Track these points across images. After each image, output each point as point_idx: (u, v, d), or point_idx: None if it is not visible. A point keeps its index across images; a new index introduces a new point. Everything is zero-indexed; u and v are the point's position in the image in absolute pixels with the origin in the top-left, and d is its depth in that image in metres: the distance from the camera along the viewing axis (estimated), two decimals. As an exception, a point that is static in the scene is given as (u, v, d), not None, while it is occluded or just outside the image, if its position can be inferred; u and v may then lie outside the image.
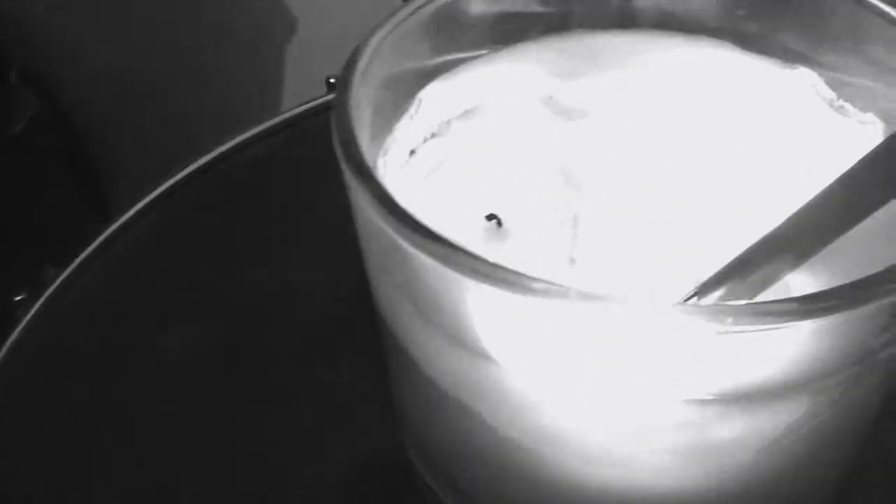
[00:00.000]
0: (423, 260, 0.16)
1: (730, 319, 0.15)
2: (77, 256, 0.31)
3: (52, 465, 0.26)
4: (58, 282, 0.29)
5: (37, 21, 0.47)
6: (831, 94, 0.24)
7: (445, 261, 0.16)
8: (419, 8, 0.22)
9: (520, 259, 0.23)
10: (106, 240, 0.31)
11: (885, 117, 0.23)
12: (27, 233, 0.43)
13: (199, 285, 0.30)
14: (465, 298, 0.16)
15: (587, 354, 0.17)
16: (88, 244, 0.32)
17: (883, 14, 0.22)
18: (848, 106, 0.24)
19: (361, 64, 0.20)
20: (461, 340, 0.17)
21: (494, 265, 0.16)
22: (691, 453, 0.17)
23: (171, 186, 0.34)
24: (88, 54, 0.46)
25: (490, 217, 0.23)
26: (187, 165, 0.35)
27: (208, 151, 0.35)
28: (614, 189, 0.24)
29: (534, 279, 0.15)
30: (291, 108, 0.36)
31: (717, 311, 0.15)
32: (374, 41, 0.21)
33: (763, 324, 0.16)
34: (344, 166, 0.17)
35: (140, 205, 0.33)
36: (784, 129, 0.24)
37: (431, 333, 0.18)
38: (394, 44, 0.22)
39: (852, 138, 0.24)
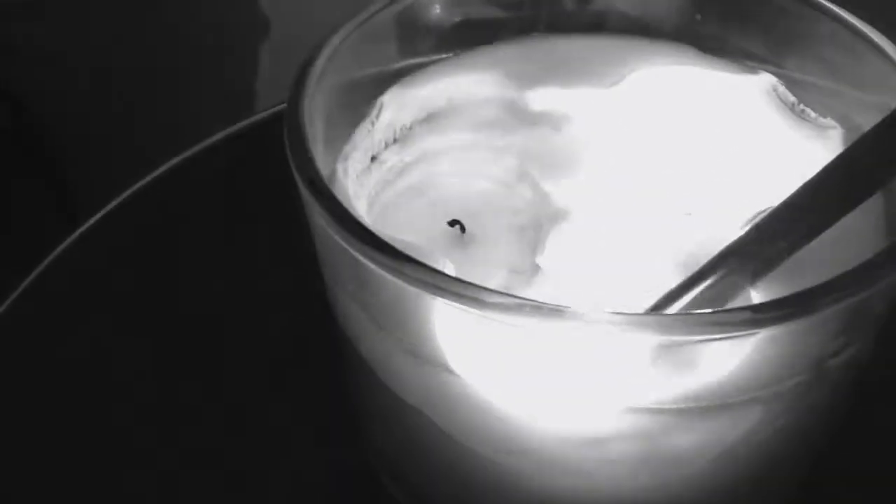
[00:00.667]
0: (379, 274, 0.16)
1: (681, 329, 0.15)
2: (41, 262, 0.30)
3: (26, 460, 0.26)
4: (20, 289, 0.29)
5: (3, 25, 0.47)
6: (792, 99, 0.24)
7: (401, 275, 0.16)
8: (378, 11, 0.22)
9: (483, 265, 0.23)
10: (71, 244, 0.31)
11: (844, 122, 0.23)
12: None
13: (165, 290, 0.30)
14: (422, 311, 0.16)
15: (542, 365, 0.17)
16: (54, 248, 0.31)
17: (840, 20, 0.22)
18: (809, 111, 0.24)
19: (316, 69, 0.19)
20: (418, 352, 0.17)
21: (450, 278, 0.16)
22: (647, 462, 0.18)
23: (141, 188, 0.33)
24: (54, 54, 0.46)
25: (453, 223, 0.23)
26: (155, 169, 0.34)
27: (178, 154, 0.35)
28: (578, 194, 0.24)
29: (489, 292, 0.15)
30: (269, 106, 0.36)
31: (668, 322, 0.15)
32: (329, 46, 0.20)
33: (714, 333, 0.16)
34: (298, 179, 0.17)
35: (107, 208, 0.32)
36: (747, 134, 0.25)
37: (389, 344, 0.18)
38: (352, 48, 0.22)
39: (813, 143, 0.24)
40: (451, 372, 0.17)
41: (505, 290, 0.21)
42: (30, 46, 0.45)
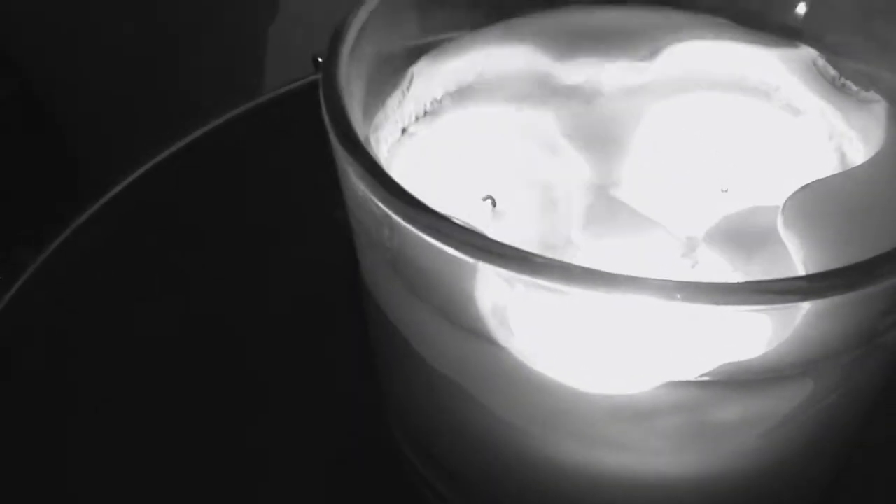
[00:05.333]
0: (417, 235, 0.15)
1: (731, 298, 0.15)
2: (55, 238, 0.30)
3: (28, 454, 0.25)
4: (36, 263, 0.28)
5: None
6: (833, 72, 0.24)
7: (440, 235, 0.15)
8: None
9: (515, 239, 0.22)
10: (84, 223, 0.31)
11: (888, 95, 0.22)
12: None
13: (179, 268, 0.30)
14: (462, 277, 0.16)
15: (587, 335, 0.16)
16: (65, 225, 0.31)
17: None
18: (850, 84, 0.23)
19: (350, 36, 0.19)
20: (455, 319, 0.17)
21: (493, 241, 0.15)
22: (693, 437, 0.17)
23: (153, 167, 0.33)
24: (60, 30, 0.45)
25: (486, 198, 0.23)
26: (167, 147, 0.34)
27: (189, 133, 0.34)
28: (611, 169, 0.23)
29: (533, 256, 0.15)
30: (276, 87, 0.36)
31: (718, 290, 0.15)
32: (362, 13, 0.20)
33: (765, 303, 0.15)
34: (333, 138, 0.17)
35: (119, 187, 0.32)
36: (787, 109, 0.24)
37: (424, 312, 0.18)
38: (384, 17, 0.21)
39: (856, 117, 0.23)
40: (490, 341, 0.17)
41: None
42: (37, 20, 0.45)
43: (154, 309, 0.28)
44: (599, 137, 0.23)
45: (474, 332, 0.16)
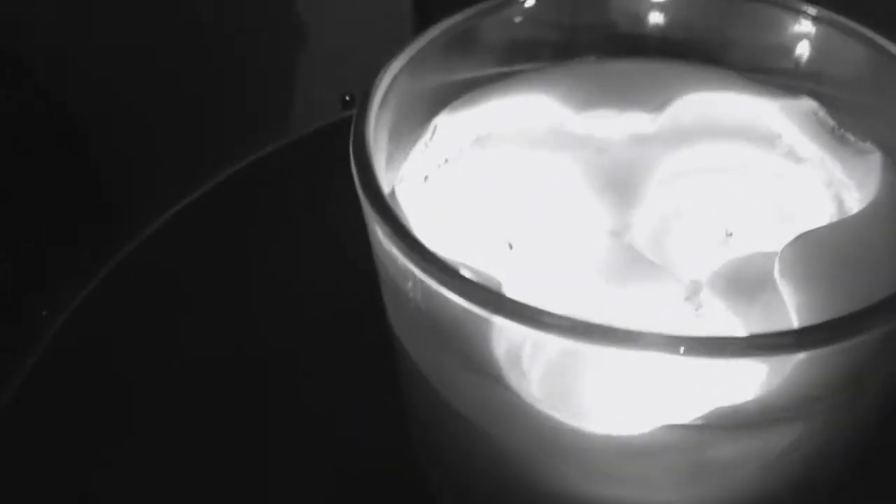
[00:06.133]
0: (436, 289, 0.17)
1: (726, 352, 0.16)
2: (97, 273, 0.32)
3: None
4: (79, 297, 0.30)
5: (43, 25, 0.48)
6: (832, 123, 0.25)
7: (457, 290, 0.17)
8: (436, 35, 0.23)
9: (531, 282, 0.24)
10: (126, 258, 0.32)
11: (882, 146, 0.24)
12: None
13: (220, 300, 0.31)
14: (478, 328, 0.17)
15: (590, 381, 0.17)
16: (106, 260, 0.32)
17: (874, 44, 0.23)
18: (849, 135, 0.25)
19: (380, 91, 0.20)
20: (471, 364, 0.18)
21: (504, 297, 0.17)
22: (685, 474, 0.18)
23: (187, 205, 0.34)
24: (96, 67, 0.47)
25: (504, 242, 0.24)
26: (202, 185, 0.35)
27: (230, 166, 0.36)
28: (622, 214, 0.24)
29: (541, 312, 0.16)
30: (305, 125, 0.37)
31: (713, 344, 0.16)
32: (392, 68, 0.21)
33: (756, 356, 0.16)
34: (361, 196, 0.18)
35: (150, 229, 0.34)
36: (788, 158, 0.25)
37: (443, 355, 0.19)
38: (411, 70, 0.23)
39: (854, 167, 0.24)
40: (504, 385, 0.18)
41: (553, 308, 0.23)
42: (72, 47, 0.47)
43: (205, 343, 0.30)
44: (612, 184, 0.25)
45: (489, 376, 0.18)
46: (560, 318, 0.16)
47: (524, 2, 0.25)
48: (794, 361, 0.17)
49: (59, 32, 0.48)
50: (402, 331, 0.20)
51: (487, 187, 0.25)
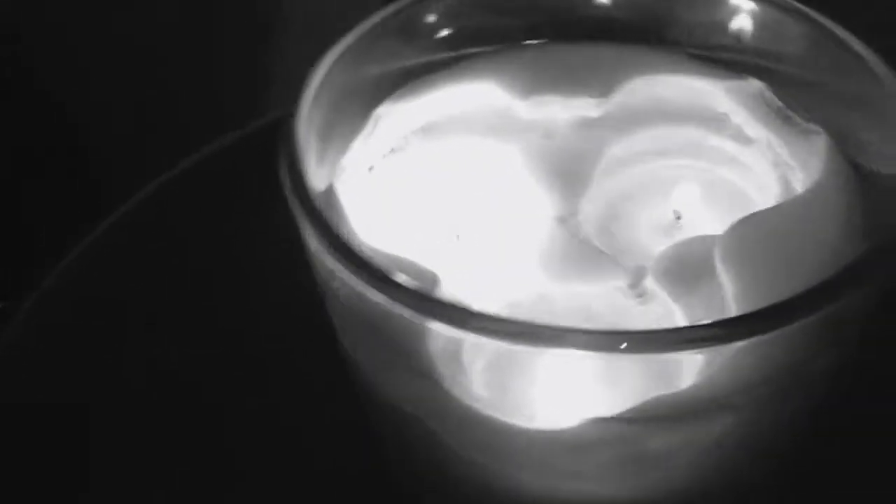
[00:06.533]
0: (371, 298, 0.17)
1: (655, 346, 0.16)
2: (58, 262, 0.31)
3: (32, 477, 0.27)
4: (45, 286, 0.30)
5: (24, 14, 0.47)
6: (779, 104, 0.25)
7: (393, 298, 0.17)
8: (375, 24, 0.23)
9: (479, 272, 0.24)
10: (88, 247, 0.32)
11: (827, 127, 0.24)
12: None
13: (186, 291, 0.31)
14: (411, 330, 0.17)
15: (524, 379, 0.17)
16: (69, 250, 0.32)
17: (820, 25, 0.23)
18: (795, 116, 0.24)
19: (312, 87, 0.20)
20: (407, 363, 0.18)
21: (432, 299, 0.17)
22: (631, 466, 0.18)
23: (163, 184, 0.34)
24: (77, 51, 0.47)
25: (450, 231, 0.24)
26: (175, 166, 0.35)
27: (196, 151, 0.35)
28: (571, 200, 0.24)
29: (472, 314, 0.16)
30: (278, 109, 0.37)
31: (641, 338, 0.16)
32: (325, 62, 0.21)
33: (686, 349, 0.16)
34: (290, 198, 0.18)
35: (120, 211, 0.33)
36: (736, 139, 0.25)
37: (382, 354, 0.19)
38: (348, 63, 0.22)
39: (800, 148, 0.24)
40: (438, 383, 0.18)
41: (497, 298, 0.23)
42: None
43: (166, 336, 0.29)
44: (559, 171, 0.25)
45: (424, 375, 0.18)
46: (486, 319, 0.16)
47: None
48: (721, 353, 0.17)
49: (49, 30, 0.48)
50: (342, 334, 0.20)
51: (434, 176, 0.25)
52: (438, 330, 0.17)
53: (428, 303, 0.16)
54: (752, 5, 0.24)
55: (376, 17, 0.23)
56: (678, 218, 0.25)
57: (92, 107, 0.47)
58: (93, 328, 0.30)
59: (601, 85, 0.25)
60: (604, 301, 0.23)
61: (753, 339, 0.17)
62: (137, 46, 0.47)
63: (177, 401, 0.28)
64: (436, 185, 0.25)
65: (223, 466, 0.27)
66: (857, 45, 0.22)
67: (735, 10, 0.25)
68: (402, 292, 0.16)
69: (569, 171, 0.25)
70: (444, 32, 0.25)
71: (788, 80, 0.25)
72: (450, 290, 0.22)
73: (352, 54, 0.22)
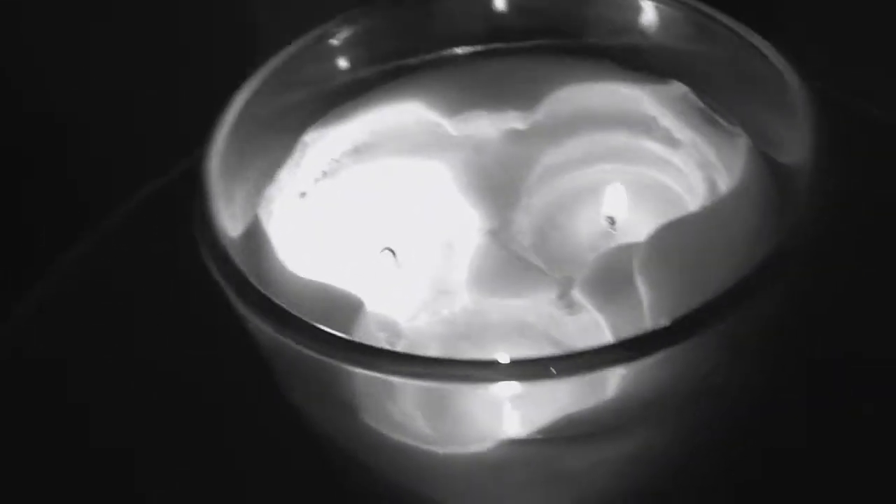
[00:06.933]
0: (269, 335, 0.17)
1: (552, 370, 0.17)
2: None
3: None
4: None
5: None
6: (702, 105, 0.25)
7: (304, 345, 0.17)
8: (281, 62, 0.23)
9: (413, 286, 0.24)
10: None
11: (747, 128, 0.24)
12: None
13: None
14: (321, 369, 0.18)
15: (430, 407, 0.18)
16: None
17: (735, 31, 0.23)
18: (718, 118, 0.25)
19: (222, 132, 0.21)
20: (326, 398, 0.19)
21: (338, 338, 0.17)
22: (546, 485, 0.19)
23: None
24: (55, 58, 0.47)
25: (383, 250, 0.25)
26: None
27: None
28: (502, 211, 0.25)
29: (362, 351, 0.17)
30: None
31: (532, 366, 0.17)
32: (234, 106, 0.22)
33: (585, 372, 0.17)
34: (203, 248, 0.18)
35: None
36: (662, 142, 0.25)
37: (306, 393, 0.20)
38: (264, 96, 0.23)
39: (723, 149, 0.24)
40: (354, 415, 0.19)
41: (433, 314, 0.23)
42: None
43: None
44: (490, 185, 0.25)
45: (347, 409, 0.19)
46: (394, 358, 0.17)
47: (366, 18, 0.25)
48: (622, 373, 0.18)
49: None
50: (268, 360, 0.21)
51: (366, 197, 0.26)
52: (347, 369, 0.17)
53: (331, 344, 0.17)
54: (668, 9, 0.25)
55: (290, 49, 0.23)
56: (612, 223, 0.25)
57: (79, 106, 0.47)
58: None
59: (526, 97, 0.26)
60: (537, 313, 0.23)
61: (639, 362, 0.17)
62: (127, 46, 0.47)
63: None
64: (369, 206, 0.26)
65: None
66: (755, 40, 0.22)
67: (653, 15, 0.25)
68: (307, 335, 0.17)
69: (500, 184, 0.25)
70: (358, 57, 0.25)
71: (709, 84, 0.25)
72: (383, 310, 0.23)
73: (268, 86, 0.23)
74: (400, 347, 0.22)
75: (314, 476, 0.25)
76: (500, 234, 0.24)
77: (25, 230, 0.43)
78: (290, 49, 0.23)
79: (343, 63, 0.25)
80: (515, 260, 0.24)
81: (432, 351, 0.22)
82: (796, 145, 0.21)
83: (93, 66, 0.47)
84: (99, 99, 0.45)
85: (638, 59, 0.26)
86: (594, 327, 0.22)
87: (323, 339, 0.17)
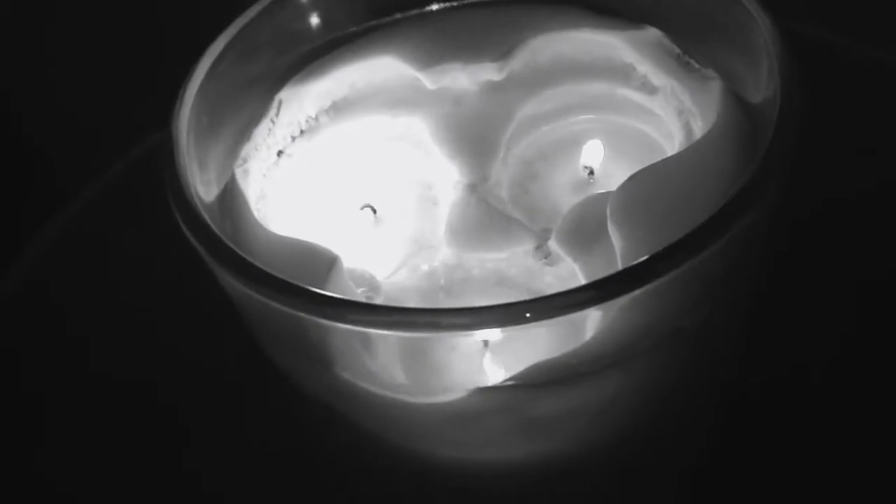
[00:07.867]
0: (246, 294, 0.17)
1: (528, 315, 0.17)
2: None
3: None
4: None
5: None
6: (677, 51, 0.25)
7: (277, 301, 0.17)
8: (258, 15, 0.23)
9: (393, 241, 0.24)
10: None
11: (722, 72, 0.24)
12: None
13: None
14: (298, 324, 0.18)
15: (406, 357, 0.18)
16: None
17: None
18: (692, 62, 0.25)
19: (192, 87, 0.21)
20: (305, 353, 0.19)
21: (312, 293, 0.17)
22: (521, 432, 0.19)
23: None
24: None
25: (363, 207, 0.25)
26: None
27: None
28: (482, 163, 0.25)
29: (335, 305, 0.17)
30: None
31: (508, 312, 0.17)
32: (206, 59, 0.22)
33: (561, 314, 0.17)
34: (173, 207, 0.19)
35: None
36: (639, 87, 0.25)
37: (282, 348, 0.20)
38: (234, 58, 0.23)
39: (699, 93, 0.24)
40: (340, 374, 0.19)
41: (414, 268, 0.23)
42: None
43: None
44: (468, 137, 0.25)
45: (322, 363, 0.19)
46: (357, 309, 0.17)
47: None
48: (598, 315, 0.18)
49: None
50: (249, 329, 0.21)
51: (345, 154, 0.26)
52: (319, 323, 0.17)
53: (302, 298, 0.17)
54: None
55: (258, 6, 0.23)
56: (591, 173, 0.25)
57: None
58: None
59: (500, 47, 0.26)
60: (516, 265, 0.23)
61: (611, 302, 0.17)
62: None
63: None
64: (348, 163, 0.26)
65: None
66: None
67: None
68: (279, 291, 0.17)
69: (478, 137, 0.25)
70: (337, 14, 0.25)
71: (684, 28, 0.25)
72: (363, 266, 0.23)
73: (236, 50, 0.23)
74: (379, 301, 0.22)
75: (291, 433, 0.25)
76: (478, 187, 0.24)
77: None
78: (259, 5, 0.23)
79: (316, 21, 0.25)
80: (494, 213, 0.24)
81: (412, 304, 0.22)
82: (766, 83, 0.21)
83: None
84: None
85: (610, 5, 0.25)
86: (572, 278, 0.22)
87: (293, 293, 0.17)
